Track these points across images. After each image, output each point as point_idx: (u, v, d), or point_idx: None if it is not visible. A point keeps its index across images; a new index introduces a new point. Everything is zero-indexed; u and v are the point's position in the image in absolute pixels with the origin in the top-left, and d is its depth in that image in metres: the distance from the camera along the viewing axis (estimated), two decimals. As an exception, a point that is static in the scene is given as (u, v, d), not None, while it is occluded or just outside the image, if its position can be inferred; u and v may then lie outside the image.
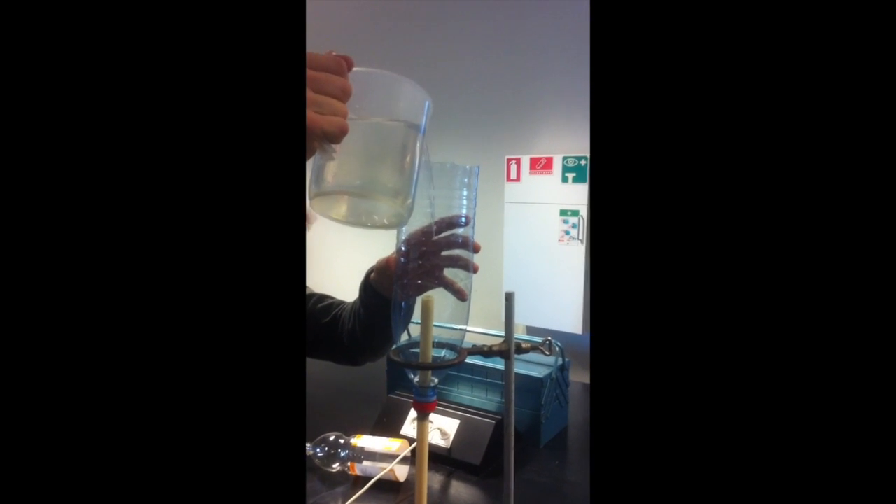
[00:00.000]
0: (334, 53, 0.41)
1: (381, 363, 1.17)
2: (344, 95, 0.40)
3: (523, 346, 0.61)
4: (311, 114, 0.38)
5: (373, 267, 0.78)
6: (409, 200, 0.45)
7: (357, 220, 0.47)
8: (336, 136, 0.39)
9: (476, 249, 0.58)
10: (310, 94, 0.38)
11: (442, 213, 0.53)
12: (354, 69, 0.42)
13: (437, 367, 0.51)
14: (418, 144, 0.46)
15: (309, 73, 0.38)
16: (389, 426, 1.02)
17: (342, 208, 0.46)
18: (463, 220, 0.56)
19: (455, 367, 0.51)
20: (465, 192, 0.54)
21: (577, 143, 2.75)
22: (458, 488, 0.89)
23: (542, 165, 2.62)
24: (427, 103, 0.46)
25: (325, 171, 0.42)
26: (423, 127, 0.46)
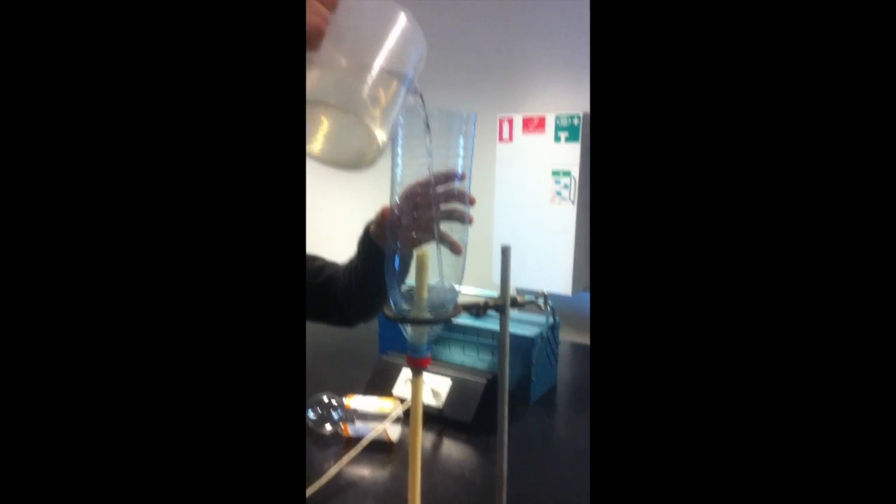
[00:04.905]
0: None
1: (373, 323, 1.16)
2: (328, 1, 0.38)
3: (518, 300, 0.60)
4: None
5: (371, 220, 0.76)
6: (386, 132, 0.43)
7: (329, 155, 0.45)
8: (311, 37, 0.37)
9: (472, 202, 0.56)
10: None
11: (437, 160, 0.51)
12: None
13: (433, 321, 0.50)
14: (402, 88, 0.44)
15: None
16: (381, 386, 1.02)
17: (317, 142, 0.44)
18: (460, 174, 0.54)
19: (447, 327, 0.50)
20: (461, 141, 0.51)
21: (571, 100, 2.70)
22: (449, 446, 0.90)
23: (534, 125, 2.58)
24: (420, 48, 0.45)
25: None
26: (409, 72, 0.44)
